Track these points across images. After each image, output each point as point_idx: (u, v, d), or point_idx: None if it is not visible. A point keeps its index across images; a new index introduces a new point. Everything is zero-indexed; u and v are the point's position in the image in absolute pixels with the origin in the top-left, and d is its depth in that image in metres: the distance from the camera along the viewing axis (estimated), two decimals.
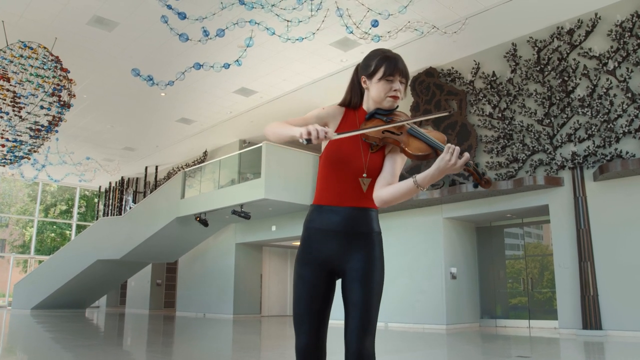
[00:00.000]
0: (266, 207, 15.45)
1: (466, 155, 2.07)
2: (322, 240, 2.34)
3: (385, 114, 2.40)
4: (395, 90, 2.39)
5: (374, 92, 2.41)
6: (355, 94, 2.50)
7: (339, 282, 2.39)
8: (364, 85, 2.47)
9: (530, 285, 12.71)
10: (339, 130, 2.41)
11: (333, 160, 2.36)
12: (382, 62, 2.40)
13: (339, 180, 2.35)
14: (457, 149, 2.07)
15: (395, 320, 12.95)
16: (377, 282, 2.29)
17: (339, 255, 2.32)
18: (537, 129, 11.41)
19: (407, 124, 2.32)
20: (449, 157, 2.07)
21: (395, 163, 2.36)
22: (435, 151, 2.18)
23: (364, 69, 2.45)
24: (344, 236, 2.32)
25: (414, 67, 13.45)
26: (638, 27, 10.22)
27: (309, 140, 2.12)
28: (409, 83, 2.49)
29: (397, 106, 2.44)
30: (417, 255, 12.93)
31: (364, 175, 2.33)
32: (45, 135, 12.40)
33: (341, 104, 2.52)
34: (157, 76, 11.58)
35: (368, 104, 2.46)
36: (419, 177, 2.15)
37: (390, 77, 2.38)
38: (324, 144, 2.43)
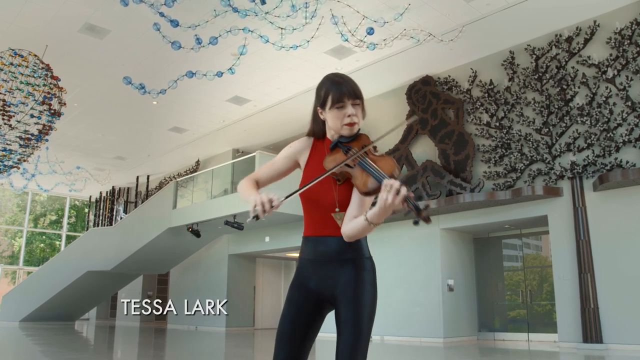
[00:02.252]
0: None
1: (403, 192, 1.97)
2: (312, 270, 2.35)
3: (346, 141, 2.31)
4: (348, 116, 2.29)
5: (330, 122, 2.34)
6: (317, 124, 2.44)
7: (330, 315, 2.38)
8: (320, 117, 2.40)
9: (529, 297, 12.52)
10: (308, 165, 2.42)
11: (305, 197, 2.36)
12: (330, 90, 2.32)
13: (315, 213, 2.35)
14: (395, 185, 1.98)
15: (391, 334, 12.75)
16: (368, 303, 2.26)
17: (328, 283, 2.31)
18: (535, 138, 11.27)
19: (358, 156, 2.22)
20: (386, 195, 1.99)
21: (359, 195, 2.26)
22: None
23: (317, 99, 2.39)
24: (331, 264, 2.30)
25: (410, 76, 13.32)
26: (637, 35, 10.12)
27: (257, 217, 2.15)
28: (363, 102, 2.35)
29: (359, 130, 2.35)
30: (414, 267, 12.74)
31: (337, 210, 2.29)
32: (35, 144, 12.25)
33: (309, 135, 2.49)
34: (149, 84, 11.45)
35: (330, 133, 2.40)
36: (369, 214, 2.11)
37: (340, 104, 2.29)
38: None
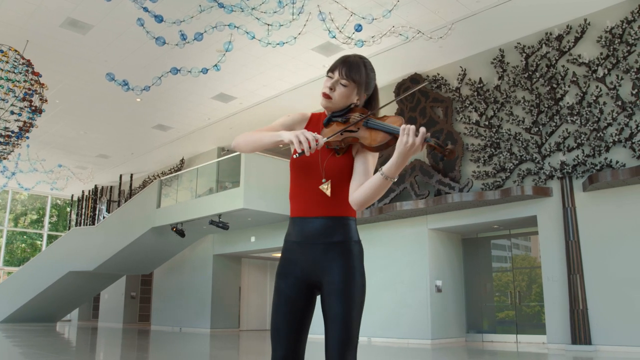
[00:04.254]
0: (245, 218, 15.14)
1: (422, 130, 2.01)
2: (298, 252, 2.30)
3: (340, 114, 2.34)
4: (326, 87, 2.34)
5: None
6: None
7: (319, 297, 2.34)
8: None
9: (517, 298, 12.43)
10: None
11: (296, 168, 2.35)
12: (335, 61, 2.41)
13: (305, 189, 2.32)
14: (412, 127, 2.01)
15: (378, 335, 12.62)
16: (357, 294, 2.22)
17: (315, 267, 2.26)
18: (525, 137, 11.18)
19: (364, 118, 2.25)
20: (406, 138, 2.01)
21: (366, 162, 2.28)
22: (394, 136, 2.12)
23: None
24: (319, 247, 2.26)
25: (398, 73, 13.19)
26: (628, 34, 10.05)
27: (302, 153, 2.11)
28: (360, 85, 2.35)
29: (352, 105, 2.35)
30: (402, 267, 12.61)
31: (323, 180, 2.27)
32: (16, 142, 12.06)
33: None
34: (132, 81, 11.22)
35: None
36: (385, 167, 2.09)
37: (330, 74, 2.35)
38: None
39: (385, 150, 2.17)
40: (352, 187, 2.24)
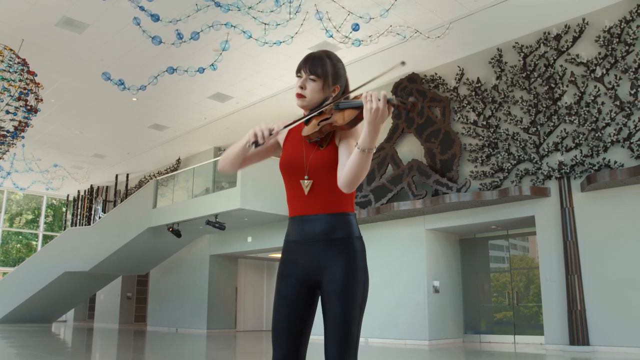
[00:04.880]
0: (242, 218, 15.08)
1: (382, 93, 1.98)
2: (298, 252, 2.28)
3: (316, 109, 2.35)
4: (297, 87, 2.37)
5: None
6: None
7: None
8: None
9: (515, 299, 12.40)
10: (287, 140, 2.44)
11: (283, 168, 2.37)
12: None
13: (294, 187, 2.32)
14: (374, 93, 1.98)
15: (376, 336, 12.57)
16: (359, 293, 2.19)
17: (316, 266, 2.23)
18: (523, 137, 11.14)
19: (333, 101, 2.29)
20: (369, 105, 1.98)
21: (349, 146, 2.23)
22: (362, 108, 2.09)
23: None
24: (320, 245, 2.23)
25: (396, 73, 13.11)
26: (626, 33, 10.03)
27: (256, 143, 2.25)
28: (327, 77, 2.37)
29: (327, 99, 2.38)
30: (399, 268, 12.57)
31: (305, 177, 2.26)
32: (11, 141, 11.99)
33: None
34: (128, 80, 11.17)
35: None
36: (359, 140, 2.04)
37: (298, 74, 2.39)
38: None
39: (357, 124, 2.18)
40: (338, 172, 2.21)
